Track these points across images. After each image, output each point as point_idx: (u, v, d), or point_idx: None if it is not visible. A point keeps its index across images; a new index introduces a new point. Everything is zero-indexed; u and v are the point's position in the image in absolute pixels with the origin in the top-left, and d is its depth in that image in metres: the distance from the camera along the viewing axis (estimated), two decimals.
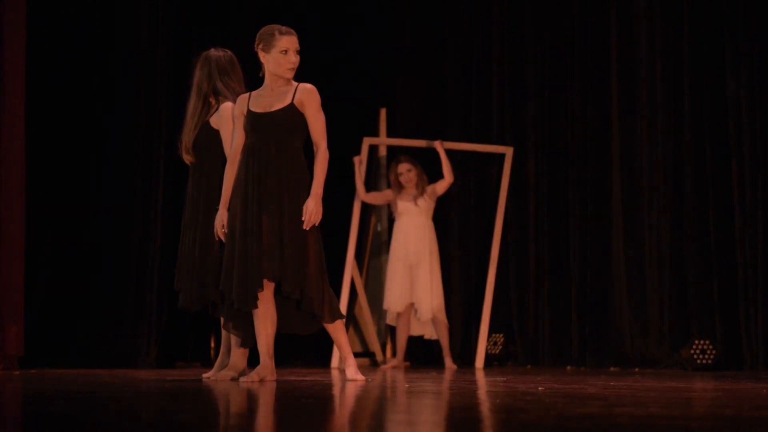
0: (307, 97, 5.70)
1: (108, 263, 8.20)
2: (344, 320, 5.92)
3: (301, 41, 5.79)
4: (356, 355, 7.56)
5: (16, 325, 7.67)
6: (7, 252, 7.73)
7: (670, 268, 8.44)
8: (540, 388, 5.18)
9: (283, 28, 5.74)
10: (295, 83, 5.75)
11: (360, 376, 5.78)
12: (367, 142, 8.87)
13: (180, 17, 8.45)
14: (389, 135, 9.38)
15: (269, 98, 5.73)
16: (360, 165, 8.65)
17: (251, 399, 4.45)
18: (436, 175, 8.64)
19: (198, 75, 6.15)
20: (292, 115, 5.69)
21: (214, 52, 6.16)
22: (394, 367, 8.43)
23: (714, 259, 8.27)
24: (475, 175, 9.21)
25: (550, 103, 9.07)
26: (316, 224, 5.64)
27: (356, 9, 9.45)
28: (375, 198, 8.77)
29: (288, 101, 5.69)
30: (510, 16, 9.24)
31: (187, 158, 6.15)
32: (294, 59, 5.68)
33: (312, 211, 5.58)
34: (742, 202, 8.21)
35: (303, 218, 5.57)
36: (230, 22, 8.59)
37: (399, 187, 8.59)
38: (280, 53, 5.66)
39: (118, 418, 3.49)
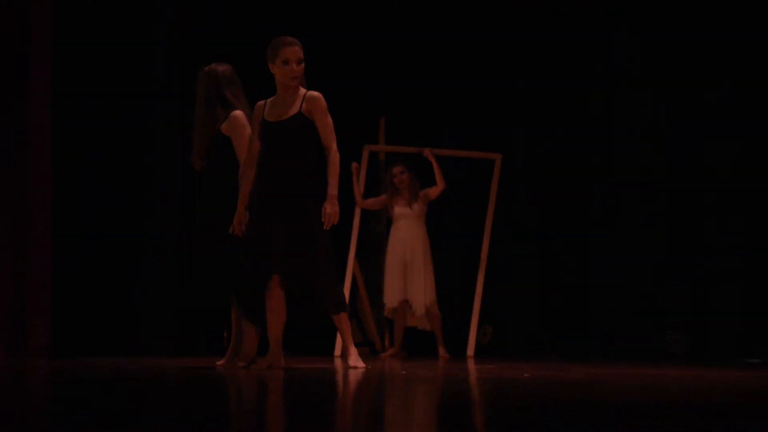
0: (314, 105, 5.62)
1: (129, 260, 8.23)
2: (348, 312, 5.92)
3: (307, 55, 5.75)
4: (357, 344, 7.56)
5: (44, 317, 7.75)
6: (37, 252, 7.82)
7: (647, 266, 8.51)
8: (525, 375, 5.20)
9: (288, 39, 5.64)
10: (303, 91, 5.67)
11: (361, 364, 5.79)
12: (367, 149, 8.87)
13: (192, 38, 8.48)
14: (388, 143, 9.39)
15: (280, 108, 5.66)
16: (357, 173, 8.63)
17: (261, 385, 4.46)
18: (432, 181, 8.66)
19: (206, 87, 6.05)
20: (301, 123, 5.61)
21: (217, 66, 6.08)
22: (391, 356, 8.44)
23: (687, 257, 8.36)
24: (468, 179, 9.23)
25: (540, 113, 9.12)
26: (335, 223, 5.56)
27: (359, 27, 9.42)
28: (372, 204, 8.75)
29: (296, 110, 5.62)
30: (497, 33, 9.25)
31: (198, 163, 6.11)
32: (296, 69, 5.59)
33: (330, 213, 5.49)
34: (711, 205, 8.30)
35: (323, 220, 5.49)
36: (237, 37, 8.51)
37: (394, 189, 8.59)
38: (282, 63, 5.57)
39: (135, 403, 3.50)
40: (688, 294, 8.41)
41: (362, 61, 9.38)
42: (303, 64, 5.64)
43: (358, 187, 8.63)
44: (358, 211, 8.73)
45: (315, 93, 5.68)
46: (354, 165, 8.58)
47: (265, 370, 5.53)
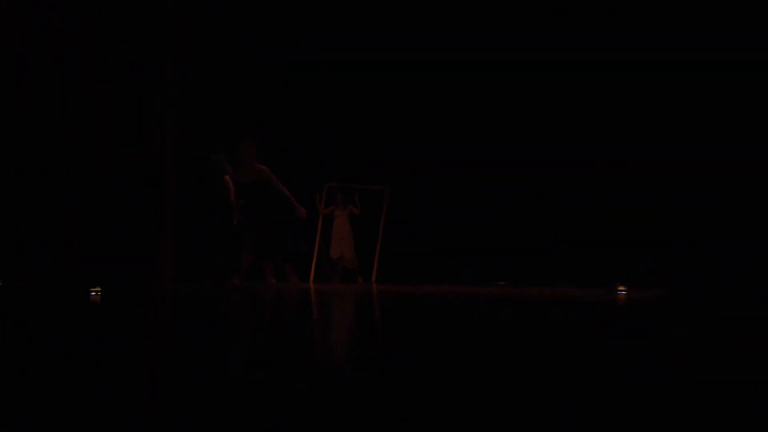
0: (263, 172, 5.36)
1: (221, 225, 7.11)
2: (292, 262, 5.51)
3: (290, 136, 5.37)
4: (316, 277, 7.23)
5: (171, 257, 6.93)
6: (166, 216, 6.89)
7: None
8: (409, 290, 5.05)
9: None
10: (255, 164, 5.36)
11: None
12: (326, 185, 8.63)
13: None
14: (339, 181, 8.82)
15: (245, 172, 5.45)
16: (320, 199, 8.47)
17: (280, 292, 4.11)
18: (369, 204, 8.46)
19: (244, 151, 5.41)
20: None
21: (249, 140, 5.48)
22: (336, 282, 8.38)
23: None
24: (373, 201, 8.80)
25: (424, 157, 8.16)
26: (303, 216, 5.30)
27: (317, 118, 8.52)
28: (327, 211, 8.59)
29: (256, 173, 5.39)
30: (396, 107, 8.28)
31: (232, 198, 5.71)
32: (242, 154, 5.35)
33: (298, 212, 5.35)
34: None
35: (297, 214, 5.20)
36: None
37: (337, 205, 8.53)
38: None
39: (204, 303, 3.33)
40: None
41: (325, 140, 8.72)
42: (245, 154, 5.39)
43: (321, 206, 8.52)
44: (321, 216, 8.56)
45: (261, 166, 5.33)
46: (318, 194, 8.49)
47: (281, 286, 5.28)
